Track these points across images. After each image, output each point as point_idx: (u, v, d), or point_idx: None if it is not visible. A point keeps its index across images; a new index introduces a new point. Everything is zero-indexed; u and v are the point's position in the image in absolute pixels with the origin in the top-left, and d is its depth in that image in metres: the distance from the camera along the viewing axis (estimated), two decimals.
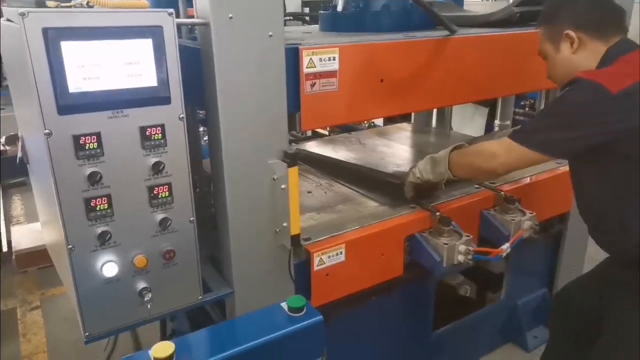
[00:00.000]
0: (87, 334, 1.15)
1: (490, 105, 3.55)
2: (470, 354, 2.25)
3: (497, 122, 2.57)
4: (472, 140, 1.90)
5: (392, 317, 1.89)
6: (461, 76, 1.69)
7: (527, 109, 3.83)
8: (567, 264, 2.34)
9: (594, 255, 1.65)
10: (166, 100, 1.12)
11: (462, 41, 1.66)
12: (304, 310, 1.05)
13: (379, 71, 1.50)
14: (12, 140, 4.96)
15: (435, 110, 2.87)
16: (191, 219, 1.22)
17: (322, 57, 1.38)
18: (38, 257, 3.06)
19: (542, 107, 2.22)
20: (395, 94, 1.56)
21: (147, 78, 1.08)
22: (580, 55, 1.40)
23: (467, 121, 3.96)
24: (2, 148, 4.87)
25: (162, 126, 1.12)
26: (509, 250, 1.60)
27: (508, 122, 2.57)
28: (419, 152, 2.42)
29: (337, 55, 1.40)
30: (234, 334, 1.04)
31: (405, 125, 2.95)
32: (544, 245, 2.31)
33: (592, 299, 1.60)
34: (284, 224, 1.36)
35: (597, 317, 1.52)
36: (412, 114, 3.02)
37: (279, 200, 1.35)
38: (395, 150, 2.34)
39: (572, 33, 1.39)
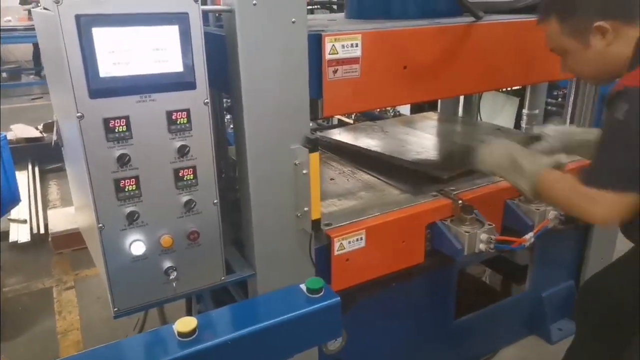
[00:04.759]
0: (116, 309, 1.21)
1: (522, 95, 3.48)
2: (491, 344, 2.24)
3: (525, 110, 2.52)
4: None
5: (413, 305, 1.90)
6: (487, 63, 1.67)
7: (559, 99, 3.73)
8: (595, 256, 2.29)
9: (623, 247, 1.61)
10: (191, 86, 1.15)
11: (488, 27, 1.63)
12: (322, 292, 1.08)
13: (402, 58, 1.49)
14: (50, 127, 5.16)
15: (462, 99, 2.83)
16: (215, 201, 1.26)
17: (345, 43, 1.38)
18: (73, 239, 3.20)
19: (572, 96, 2.15)
20: (418, 81, 1.55)
21: (174, 64, 1.12)
22: (615, 46, 1.24)
23: (497, 111, 3.89)
24: (40, 135, 5.07)
25: (188, 111, 1.16)
26: (532, 240, 1.59)
27: (537, 111, 2.51)
28: (443, 141, 2.40)
29: (359, 42, 1.40)
30: (254, 312, 1.08)
31: (430, 114, 2.92)
32: (572, 237, 2.26)
33: (622, 292, 1.52)
34: (305, 209, 1.38)
35: (626, 311, 1.47)
36: (439, 104, 2.99)
37: (300, 185, 1.37)
38: (419, 139, 2.33)
39: (604, 24, 1.22)
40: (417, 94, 1.60)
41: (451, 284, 1.93)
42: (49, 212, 3.71)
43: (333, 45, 1.37)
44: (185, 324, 0.94)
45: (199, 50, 1.14)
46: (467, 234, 1.56)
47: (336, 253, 1.48)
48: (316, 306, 1.05)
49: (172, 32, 1.10)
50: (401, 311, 1.87)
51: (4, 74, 9.52)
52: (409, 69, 1.52)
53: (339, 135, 2.41)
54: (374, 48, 1.43)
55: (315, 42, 1.34)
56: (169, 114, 1.14)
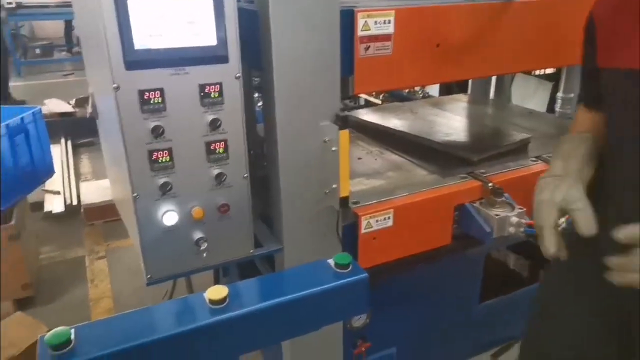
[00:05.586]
0: (149, 276, 1.25)
1: (555, 80, 3.38)
2: (515, 329, 2.23)
3: (560, 94, 2.44)
4: None
5: (438, 286, 1.90)
6: (522, 43, 1.62)
7: None
8: None
9: None
10: (224, 59, 1.16)
11: (526, 5, 1.58)
12: (350, 267, 1.08)
13: (436, 35, 1.47)
14: (82, 102, 5.29)
15: (494, 82, 2.77)
16: (245, 175, 1.28)
17: (378, 19, 1.36)
18: (104, 211, 3.31)
19: None
20: (451, 59, 1.52)
21: (207, 37, 1.13)
22: None
23: (529, 96, 3.80)
24: (72, 109, 5.20)
25: (220, 84, 1.17)
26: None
27: (572, 95, 2.43)
28: (473, 123, 2.36)
29: (392, 19, 1.38)
30: (282, 285, 1.09)
31: (460, 96, 2.87)
32: None
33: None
34: (334, 186, 1.39)
35: None
36: (469, 86, 2.93)
37: (329, 162, 1.38)
38: (448, 120, 2.29)
39: None
40: (450, 73, 1.57)
41: (478, 266, 1.92)
42: (82, 185, 3.83)
43: (365, 21, 1.35)
44: (217, 292, 0.96)
45: (232, 24, 1.14)
46: (496, 217, 1.54)
47: (363, 231, 1.49)
48: (344, 281, 1.05)
49: (206, 4, 1.10)
50: (426, 292, 1.87)
51: (37, 51, 9.76)
52: (441, 47, 1.49)
53: (367, 115, 2.39)
54: (407, 25, 1.40)
55: (348, 18, 1.32)
56: (202, 87, 1.15)
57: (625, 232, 0.88)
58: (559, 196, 1.04)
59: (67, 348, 0.84)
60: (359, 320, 1.69)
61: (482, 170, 1.74)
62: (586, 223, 0.98)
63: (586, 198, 1.02)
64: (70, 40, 10.21)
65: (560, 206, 1.03)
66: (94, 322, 0.95)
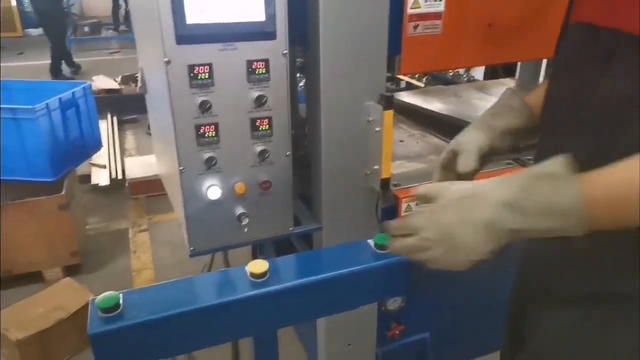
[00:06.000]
0: (191, 248, 1.28)
1: None
2: None
3: None
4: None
5: (476, 273, 1.86)
6: None
7: None
8: None
9: None
10: (272, 36, 1.16)
11: None
12: None
13: (488, 15, 1.41)
14: (127, 80, 5.43)
15: (544, 66, 2.65)
16: (287, 153, 1.28)
17: None
18: (148, 186, 3.41)
19: None
20: (503, 40, 1.47)
21: (256, 13, 1.12)
22: None
23: None
24: (118, 87, 5.36)
25: (267, 61, 1.17)
26: None
27: None
28: None
29: None
30: (322, 262, 1.10)
31: (507, 80, 2.77)
32: None
33: None
34: (375, 167, 1.37)
35: None
36: (517, 70, 2.82)
37: (372, 143, 1.36)
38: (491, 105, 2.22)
39: None
40: (501, 54, 1.52)
41: (519, 255, 1.87)
42: (126, 160, 3.96)
43: None
44: (258, 266, 0.98)
45: (281, 0, 1.14)
46: None
47: (403, 214, 1.47)
48: (383, 262, 1.05)
49: None
50: (463, 278, 1.84)
51: (85, 29, 10.08)
52: (494, 27, 1.43)
53: (409, 98, 2.35)
54: (458, 3, 1.36)
55: None
56: (249, 63, 1.16)
57: (420, 189, 0.88)
58: (453, 142, 1.12)
59: (116, 312, 0.88)
60: (394, 303, 1.69)
61: (529, 157, 1.69)
62: (461, 161, 1.06)
63: (475, 141, 1.07)
64: (117, 19, 10.47)
65: (453, 149, 1.10)
66: (141, 289, 0.99)
